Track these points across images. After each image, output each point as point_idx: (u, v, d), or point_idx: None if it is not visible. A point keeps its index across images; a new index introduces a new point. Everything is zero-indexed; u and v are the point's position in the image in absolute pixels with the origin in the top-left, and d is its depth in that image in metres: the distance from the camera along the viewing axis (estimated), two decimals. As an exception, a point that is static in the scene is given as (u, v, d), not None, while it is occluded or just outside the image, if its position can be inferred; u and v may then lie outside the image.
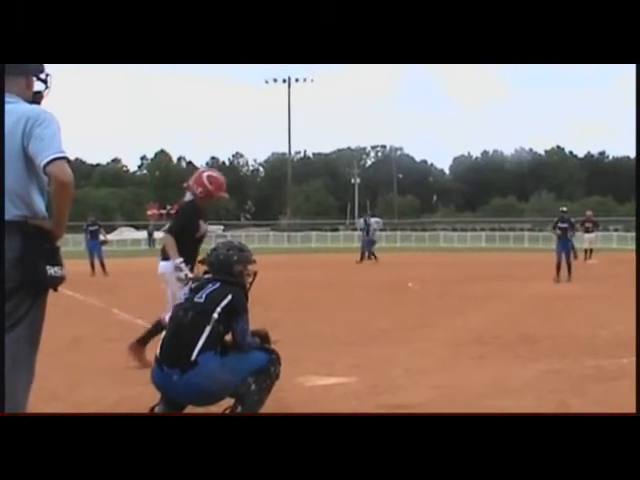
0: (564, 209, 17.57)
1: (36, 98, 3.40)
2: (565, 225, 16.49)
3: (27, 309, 3.23)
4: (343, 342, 7.66)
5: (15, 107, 3.20)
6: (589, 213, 26.79)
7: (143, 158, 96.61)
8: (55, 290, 3.31)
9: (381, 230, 47.13)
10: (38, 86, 3.43)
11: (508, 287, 14.48)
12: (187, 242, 6.08)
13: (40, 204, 3.29)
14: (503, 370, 6.09)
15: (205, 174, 6.28)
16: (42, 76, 3.41)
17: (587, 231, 24.61)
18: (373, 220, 27.75)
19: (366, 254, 25.12)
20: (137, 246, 45.30)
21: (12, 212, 3.17)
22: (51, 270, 3.21)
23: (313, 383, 5.62)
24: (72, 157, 3.33)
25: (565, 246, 16.20)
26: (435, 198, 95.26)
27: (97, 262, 19.07)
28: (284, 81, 60.49)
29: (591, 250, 24.52)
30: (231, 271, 4.32)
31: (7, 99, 3.22)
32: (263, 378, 4.23)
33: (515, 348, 7.22)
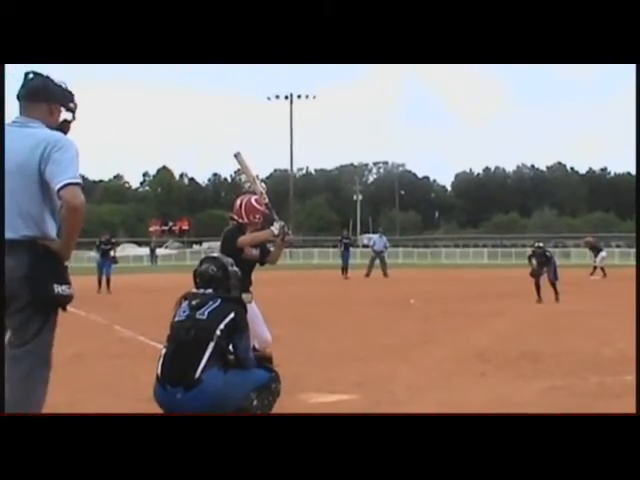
0: (540, 244, 15.80)
1: (63, 126, 3.47)
2: (542, 260, 14.97)
3: (39, 328, 3.27)
4: (346, 358, 7.65)
5: (37, 131, 3.30)
6: (589, 239, 27.15)
7: (145, 174, 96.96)
8: (64, 309, 3.35)
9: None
10: (65, 115, 3.50)
11: (510, 304, 14.44)
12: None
13: (52, 227, 3.35)
14: (505, 387, 6.08)
15: (252, 199, 5.96)
16: (70, 106, 3.49)
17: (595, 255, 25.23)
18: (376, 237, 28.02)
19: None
20: (139, 262, 45.24)
21: (22, 232, 3.23)
22: (59, 289, 3.26)
23: (316, 400, 5.60)
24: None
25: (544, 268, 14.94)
26: (437, 214, 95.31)
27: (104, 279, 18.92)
28: (286, 97, 60.64)
29: (602, 268, 24.62)
30: (228, 287, 4.34)
31: (30, 123, 3.32)
32: (265, 395, 4.25)
33: (518, 365, 7.21)
